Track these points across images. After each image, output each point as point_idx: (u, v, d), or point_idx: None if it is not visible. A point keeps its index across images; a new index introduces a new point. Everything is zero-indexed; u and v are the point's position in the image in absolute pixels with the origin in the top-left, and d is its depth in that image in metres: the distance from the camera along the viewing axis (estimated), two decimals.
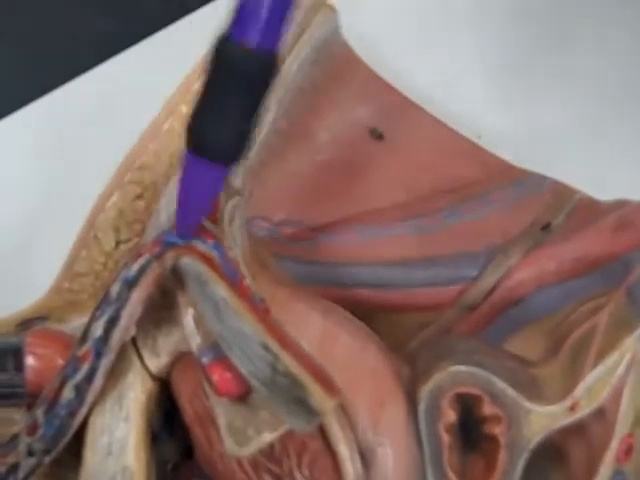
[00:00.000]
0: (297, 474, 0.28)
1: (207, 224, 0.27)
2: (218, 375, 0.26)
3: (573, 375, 0.29)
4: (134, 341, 0.30)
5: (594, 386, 0.29)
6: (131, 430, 0.29)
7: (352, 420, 0.28)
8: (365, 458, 0.28)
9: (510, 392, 0.29)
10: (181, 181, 0.26)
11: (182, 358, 0.29)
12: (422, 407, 0.29)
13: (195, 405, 0.28)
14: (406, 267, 0.36)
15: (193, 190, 0.26)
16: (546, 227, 0.35)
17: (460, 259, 0.35)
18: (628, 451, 0.29)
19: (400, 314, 0.35)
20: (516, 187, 0.37)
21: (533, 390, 0.29)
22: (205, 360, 0.26)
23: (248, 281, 0.27)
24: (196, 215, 0.27)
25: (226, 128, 0.25)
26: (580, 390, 0.29)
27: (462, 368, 0.29)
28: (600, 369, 0.29)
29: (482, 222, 0.37)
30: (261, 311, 0.25)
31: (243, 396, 0.26)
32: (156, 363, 0.29)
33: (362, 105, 0.38)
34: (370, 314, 0.34)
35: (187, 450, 0.33)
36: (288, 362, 0.24)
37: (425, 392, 0.28)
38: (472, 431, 0.30)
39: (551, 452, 0.31)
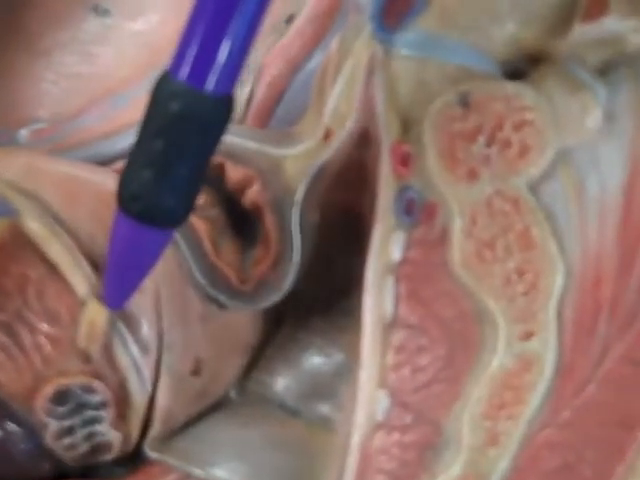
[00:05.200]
0: (27, 313, 0.23)
1: None
2: None
3: (320, 108, 0.26)
4: None
5: (339, 104, 0.25)
6: None
7: (74, 233, 0.24)
8: (101, 268, 0.24)
9: (252, 145, 0.25)
10: (114, 244, 0.22)
11: None
12: None
13: None
14: None
15: (131, 257, 0.22)
16: (290, 19, 0.32)
17: None
18: (405, 161, 0.25)
19: None
20: None
21: (286, 141, 0.26)
22: None
23: None
24: (133, 283, 0.23)
25: (179, 190, 0.21)
26: (327, 115, 0.25)
27: None
28: (339, 84, 0.25)
29: None
30: None
31: None
32: None
33: None
34: None
35: None
36: None
37: None
38: (244, 220, 0.26)
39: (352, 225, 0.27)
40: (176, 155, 0.20)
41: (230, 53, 0.20)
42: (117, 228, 0.22)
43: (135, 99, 0.34)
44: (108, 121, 0.34)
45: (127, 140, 0.35)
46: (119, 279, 0.23)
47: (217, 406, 0.27)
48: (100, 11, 0.36)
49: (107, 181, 0.26)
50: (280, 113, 0.32)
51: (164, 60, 0.36)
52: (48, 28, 0.36)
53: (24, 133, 0.35)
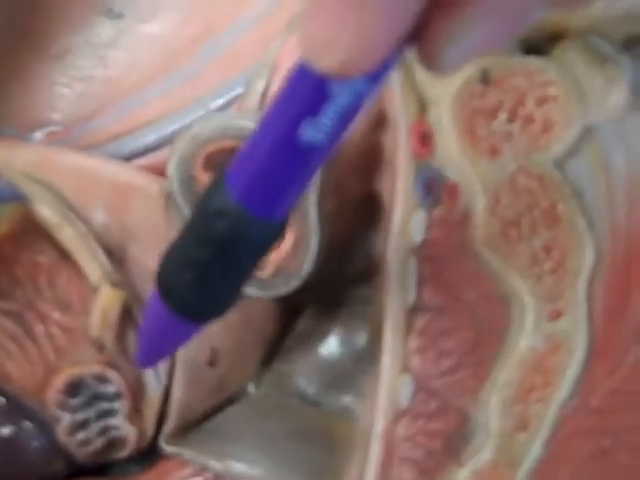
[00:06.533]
0: (39, 301, 0.23)
1: None
2: None
3: None
4: None
5: None
6: None
7: (87, 222, 0.23)
8: (115, 255, 0.23)
9: None
10: (147, 316, 0.22)
11: None
12: (175, 185, 0.24)
13: None
14: (178, 115, 0.33)
15: (162, 332, 0.21)
16: None
17: (226, 85, 0.32)
18: (424, 141, 0.24)
19: None
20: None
21: None
22: None
23: None
24: (162, 353, 0.22)
25: (216, 295, 0.20)
26: None
27: (206, 128, 0.25)
28: None
29: (241, 41, 0.34)
30: None
31: None
32: None
33: None
34: None
35: None
36: None
37: (172, 166, 0.24)
38: None
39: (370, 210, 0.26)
40: (218, 266, 0.20)
41: (294, 182, 0.19)
42: (152, 304, 0.21)
43: (148, 101, 0.34)
44: (120, 123, 0.33)
45: (137, 141, 0.34)
46: (149, 345, 0.22)
47: (234, 399, 0.26)
48: (113, 15, 0.36)
49: (121, 171, 0.25)
50: None
51: (179, 62, 0.37)
52: (61, 32, 0.36)
53: (38, 136, 0.34)
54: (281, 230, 0.20)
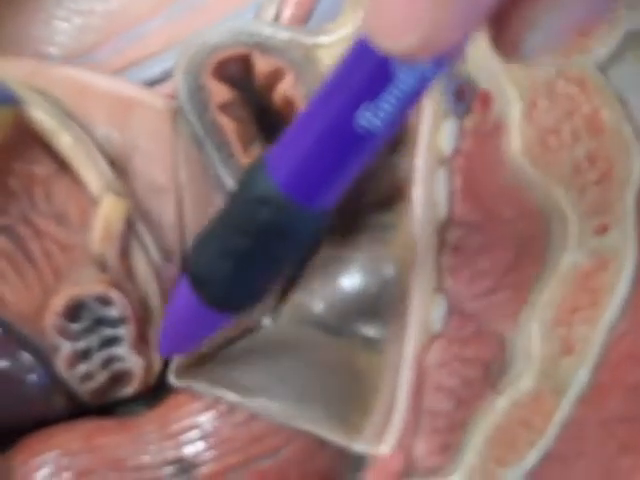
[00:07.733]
0: (35, 216, 0.21)
1: None
2: None
3: None
4: None
5: None
6: None
7: (90, 131, 0.21)
8: (118, 166, 0.21)
9: (282, 34, 0.22)
10: (174, 305, 0.21)
11: None
12: (183, 94, 0.22)
13: None
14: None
15: (188, 321, 0.21)
16: None
17: (233, 15, 0.30)
18: None
19: None
20: None
21: (321, 31, 0.23)
22: None
23: None
24: (186, 343, 0.21)
25: (252, 284, 0.20)
26: None
27: (216, 33, 0.22)
28: None
29: None
30: None
31: None
32: None
33: None
34: None
35: None
36: None
37: (180, 74, 0.22)
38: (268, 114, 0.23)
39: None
40: (257, 256, 0.19)
41: (344, 170, 0.17)
42: (179, 294, 0.20)
43: (151, 33, 0.32)
44: (122, 56, 0.32)
45: (141, 73, 0.32)
46: (173, 332, 0.21)
47: (249, 331, 0.24)
48: None
49: (122, 85, 0.23)
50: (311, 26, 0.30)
51: None
52: None
53: None
54: (327, 219, 0.18)
